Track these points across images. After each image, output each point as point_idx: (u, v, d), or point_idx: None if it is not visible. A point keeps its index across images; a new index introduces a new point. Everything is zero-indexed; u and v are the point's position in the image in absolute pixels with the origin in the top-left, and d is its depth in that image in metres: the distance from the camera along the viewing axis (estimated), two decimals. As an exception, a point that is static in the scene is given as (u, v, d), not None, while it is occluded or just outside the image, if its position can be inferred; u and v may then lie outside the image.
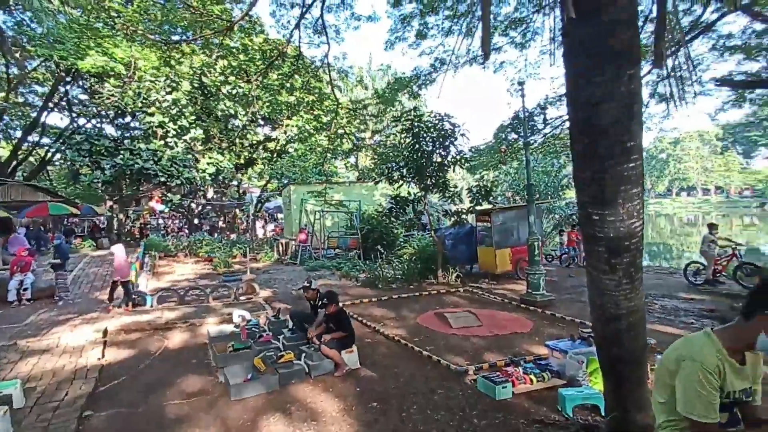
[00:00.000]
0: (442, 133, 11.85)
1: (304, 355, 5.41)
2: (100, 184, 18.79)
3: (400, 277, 11.44)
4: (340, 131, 18.01)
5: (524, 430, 3.67)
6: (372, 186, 19.99)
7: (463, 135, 11.91)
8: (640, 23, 4.33)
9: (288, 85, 17.96)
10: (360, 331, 6.95)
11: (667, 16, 2.96)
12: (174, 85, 19.02)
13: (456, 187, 12.87)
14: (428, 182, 11.89)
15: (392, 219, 13.54)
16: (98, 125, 22.72)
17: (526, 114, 10.15)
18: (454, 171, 12.24)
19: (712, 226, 9.83)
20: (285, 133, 24.36)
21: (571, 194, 21.33)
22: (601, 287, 2.77)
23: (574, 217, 16.97)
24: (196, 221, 27.43)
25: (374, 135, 31.79)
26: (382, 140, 30.20)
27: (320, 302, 5.95)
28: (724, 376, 1.75)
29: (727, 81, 9.47)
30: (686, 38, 9.46)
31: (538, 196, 18.04)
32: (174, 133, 19.76)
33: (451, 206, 13.28)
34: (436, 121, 11.95)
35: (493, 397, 4.33)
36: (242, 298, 9.64)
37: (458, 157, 12.08)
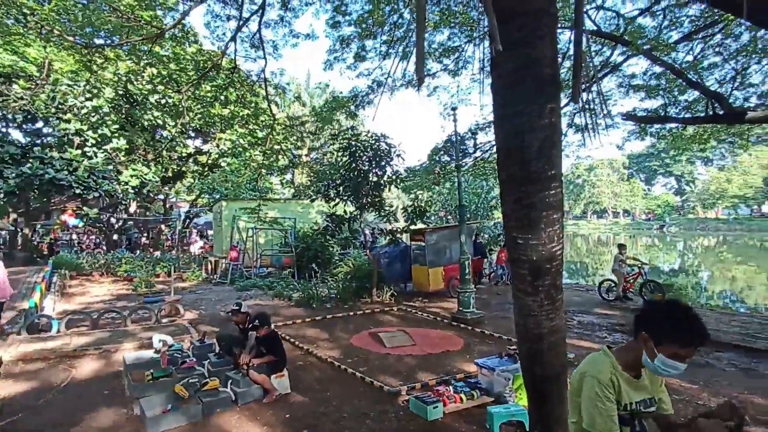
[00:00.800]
0: (379, 153, 12.07)
1: (230, 381, 5.13)
2: (1, 195, 16.89)
3: (334, 296, 11.31)
4: (276, 147, 17.66)
5: (454, 449, 3.72)
6: (308, 203, 19.76)
7: (398, 155, 12.22)
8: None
9: (222, 97, 17.36)
10: (292, 353, 6.74)
11: (582, 55, 3.24)
12: (95, 91, 17.72)
13: (392, 206, 13.07)
14: (364, 201, 11.99)
15: (328, 237, 13.45)
16: (2, 130, 20.52)
17: (458, 138, 10.61)
18: (389, 190, 12.46)
19: (621, 247, 10.80)
20: (218, 146, 23.47)
21: (499, 215, 22.46)
22: (524, 308, 2.92)
23: (501, 236, 17.83)
24: (115, 237, 25.42)
25: (311, 152, 31.60)
26: (319, 158, 30.07)
27: (250, 325, 5.70)
28: (619, 390, 1.89)
29: (632, 116, 10.56)
30: (598, 76, 10.45)
31: (469, 216, 18.76)
32: (93, 141, 18.33)
33: (387, 225, 13.46)
34: (373, 141, 12.16)
35: (425, 417, 4.36)
36: (165, 320, 9.01)
37: (394, 177, 12.33)
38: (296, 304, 10.95)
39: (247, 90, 15.22)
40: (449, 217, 22.76)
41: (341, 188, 12.32)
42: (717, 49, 9.55)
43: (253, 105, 19.54)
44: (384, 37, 10.53)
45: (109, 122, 18.56)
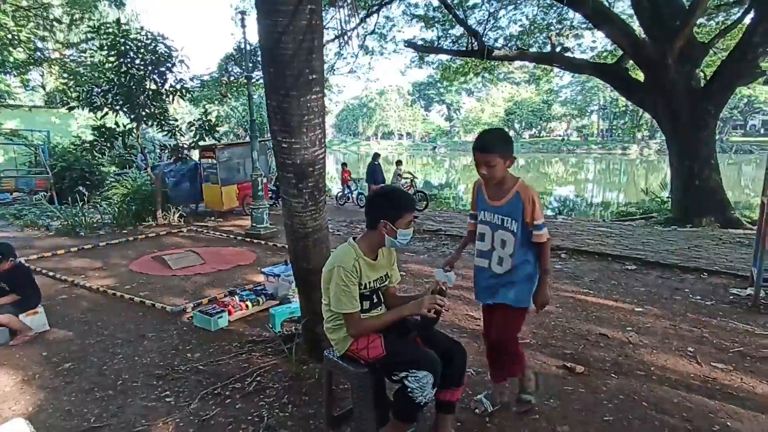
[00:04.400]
0: (157, 56, 10.40)
1: (-43, 327, 4.19)
2: None
3: (109, 222, 9.98)
4: (7, 36, 13.35)
5: (237, 351, 3.95)
6: (67, 113, 16.08)
7: (182, 61, 10.76)
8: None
9: None
10: (52, 288, 5.85)
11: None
12: None
13: (177, 120, 11.72)
14: (141, 112, 10.41)
15: (97, 155, 11.40)
16: None
17: (249, 47, 9.91)
18: (172, 101, 11.05)
19: (398, 163, 12.38)
20: None
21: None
22: (291, 210, 3.14)
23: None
24: None
25: (67, 48, 25.04)
26: (78, 56, 24.11)
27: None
28: (361, 273, 2.32)
29: (412, 44, 11.58)
30: (385, 1, 10.95)
31: (265, 132, 18.25)
32: None
33: (172, 141, 12.12)
34: (149, 41, 10.35)
35: (209, 328, 4.45)
36: None
37: (178, 87, 10.92)
38: (57, 234, 9.29)
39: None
40: (247, 134, 21.71)
41: (110, 95, 10.32)
42: (479, -9, 11.00)
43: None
44: None
45: None
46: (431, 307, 2.23)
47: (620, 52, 11.46)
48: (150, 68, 10.31)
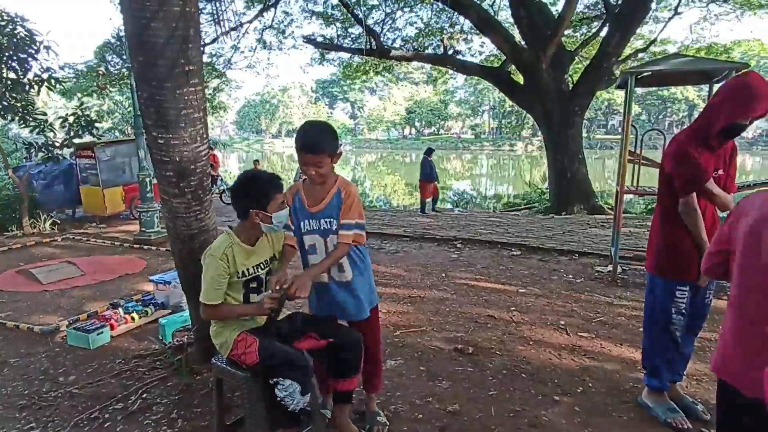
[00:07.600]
0: (16, 40, 9.08)
1: None
2: None
3: (-42, 234, 8.52)
4: None
5: (120, 368, 3.62)
6: None
7: (48, 48, 9.51)
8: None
9: None
10: None
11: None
12: None
13: (45, 114, 10.36)
14: (-2, 105, 9.02)
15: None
16: None
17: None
18: (38, 93, 9.72)
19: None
20: None
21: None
22: (173, 211, 2.94)
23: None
24: None
25: None
26: None
27: None
28: (234, 261, 2.23)
29: (312, 40, 11.47)
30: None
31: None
32: None
33: (40, 138, 10.68)
34: (4, 24, 9.00)
35: (87, 347, 4.02)
36: None
37: (45, 76, 9.63)
38: None
39: None
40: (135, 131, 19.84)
41: (-46, 85, 8.80)
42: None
43: None
44: None
45: None
46: (269, 305, 2.19)
47: (504, 57, 12.51)
48: (7, 54, 8.97)
